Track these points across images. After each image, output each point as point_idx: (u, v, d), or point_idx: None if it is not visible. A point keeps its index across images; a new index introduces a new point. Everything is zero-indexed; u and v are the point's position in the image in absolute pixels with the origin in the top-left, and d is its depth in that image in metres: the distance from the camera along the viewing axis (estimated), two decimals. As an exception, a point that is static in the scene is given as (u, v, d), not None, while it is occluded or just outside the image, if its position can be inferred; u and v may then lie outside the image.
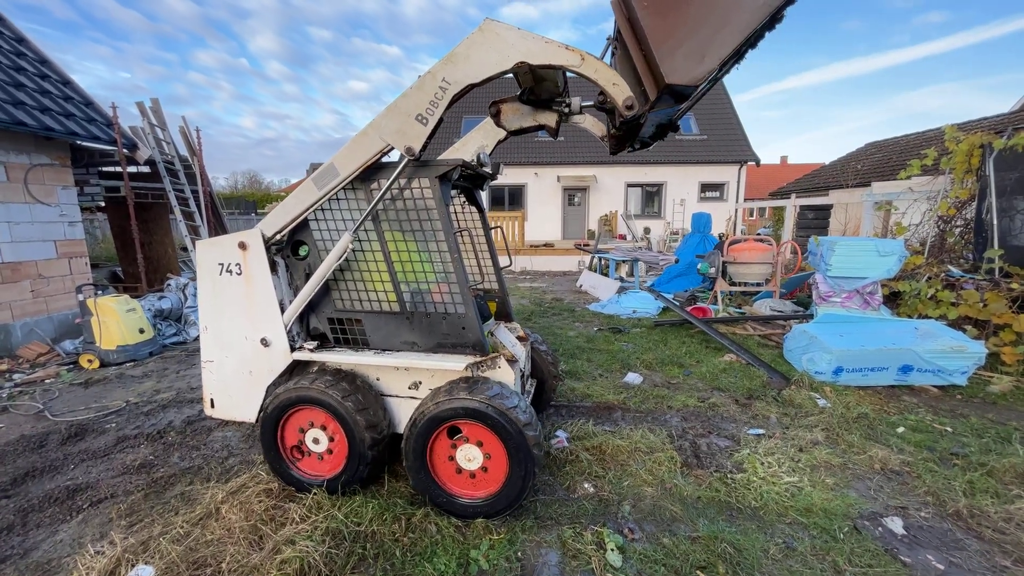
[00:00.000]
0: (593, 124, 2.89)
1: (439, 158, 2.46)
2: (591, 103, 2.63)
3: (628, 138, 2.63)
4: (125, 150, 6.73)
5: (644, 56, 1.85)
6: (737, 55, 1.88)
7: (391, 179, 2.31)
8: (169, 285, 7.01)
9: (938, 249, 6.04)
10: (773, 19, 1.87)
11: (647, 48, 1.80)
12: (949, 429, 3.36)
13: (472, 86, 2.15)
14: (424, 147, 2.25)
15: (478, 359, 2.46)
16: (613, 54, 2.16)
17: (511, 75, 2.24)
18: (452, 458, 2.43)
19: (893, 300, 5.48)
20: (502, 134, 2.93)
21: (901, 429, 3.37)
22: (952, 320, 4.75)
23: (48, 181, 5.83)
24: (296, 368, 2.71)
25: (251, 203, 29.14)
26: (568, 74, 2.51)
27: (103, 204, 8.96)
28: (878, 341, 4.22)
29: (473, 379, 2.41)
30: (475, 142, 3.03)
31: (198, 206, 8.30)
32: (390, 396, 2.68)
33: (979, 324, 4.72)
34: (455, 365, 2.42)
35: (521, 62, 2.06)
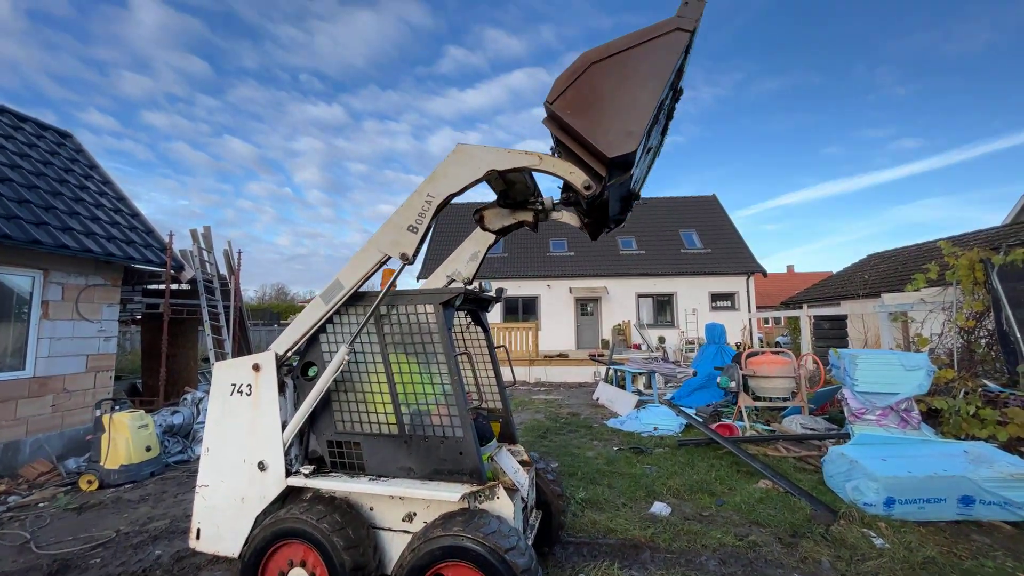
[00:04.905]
0: (571, 218, 3.17)
1: (442, 287, 2.66)
2: (559, 200, 3.01)
3: (601, 221, 2.97)
4: (172, 271, 7.37)
5: (584, 147, 2.27)
6: (662, 130, 2.35)
7: (387, 285, 2.50)
8: (185, 399, 7.05)
9: (968, 362, 5.82)
10: (676, 94, 2.45)
11: (583, 140, 2.23)
12: (1037, 581, 2.88)
13: (452, 196, 2.50)
14: (416, 252, 2.53)
15: (475, 488, 2.34)
16: (559, 155, 2.56)
17: (487, 184, 2.61)
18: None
19: (933, 417, 5.13)
20: (491, 238, 3.19)
21: (978, 580, 2.90)
22: (1003, 442, 4.37)
23: (97, 300, 6.32)
24: (288, 497, 2.60)
25: (275, 314, 30.43)
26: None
27: (139, 317, 9.50)
28: (926, 467, 3.85)
29: (450, 515, 2.27)
30: (468, 250, 3.25)
31: (227, 320, 8.73)
32: (383, 529, 2.51)
33: (1037, 446, 4.33)
34: (450, 495, 2.30)
35: (490, 170, 2.44)
